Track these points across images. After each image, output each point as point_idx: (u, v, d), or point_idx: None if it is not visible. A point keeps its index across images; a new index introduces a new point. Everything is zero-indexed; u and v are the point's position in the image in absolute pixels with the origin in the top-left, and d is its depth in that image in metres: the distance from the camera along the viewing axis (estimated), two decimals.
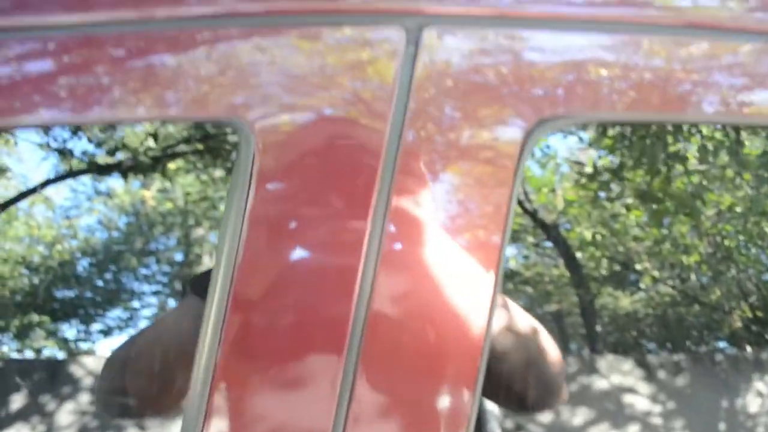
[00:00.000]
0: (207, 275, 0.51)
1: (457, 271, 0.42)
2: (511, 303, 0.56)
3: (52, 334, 1.12)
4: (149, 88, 0.42)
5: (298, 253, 0.43)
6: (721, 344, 1.25)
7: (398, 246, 0.43)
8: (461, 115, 0.44)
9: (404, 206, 0.43)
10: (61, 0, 0.43)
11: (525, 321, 0.55)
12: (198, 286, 0.54)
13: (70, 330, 1.07)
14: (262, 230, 0.43)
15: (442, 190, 0.43)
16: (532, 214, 2.39)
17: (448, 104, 0.44)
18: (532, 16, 0.44)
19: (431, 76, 0.43)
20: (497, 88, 0.44)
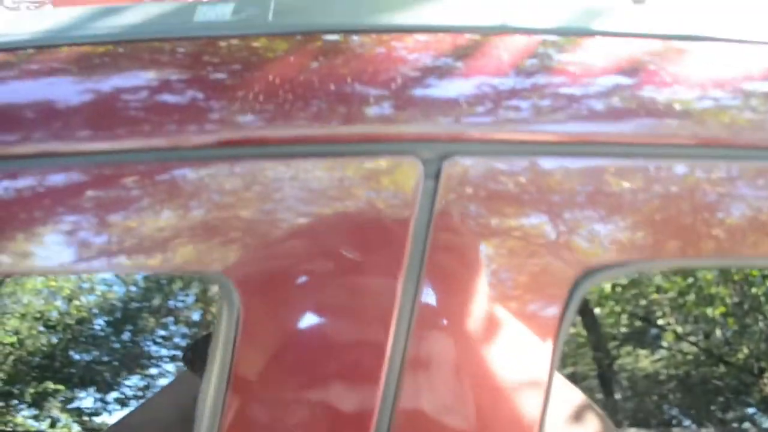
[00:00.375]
0: (200, 344, 0.49)
1: (507, 349, 0.40)
2: (571, 387, 0.52)
3: (68, 402, 1.11)
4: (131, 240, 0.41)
5: (310, 326, 0.41)
6: (751, 411, 1.20)
7: (432, 322, 0.40)
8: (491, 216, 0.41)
9: (440, 278, 0.40)
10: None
11: (589, 412, 0.51)
12: (190, 357, 0.52)
13: (86, 399, 1.06)
14: (266, 300, 0.41)
15: (484, 261, 0.40)
16: None
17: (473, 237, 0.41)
18: (563, 140, 0.42)
19: (453, 214, 0.41)
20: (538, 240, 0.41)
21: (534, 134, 0.43)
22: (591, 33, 0.48)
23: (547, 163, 0.42)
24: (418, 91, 0.44)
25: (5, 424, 1.07)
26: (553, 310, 0.40)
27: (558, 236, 0.41)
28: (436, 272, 0.41)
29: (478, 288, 0.40)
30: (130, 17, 0.49)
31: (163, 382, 1.19)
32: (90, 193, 0.41)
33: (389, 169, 0.42)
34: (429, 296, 0.40)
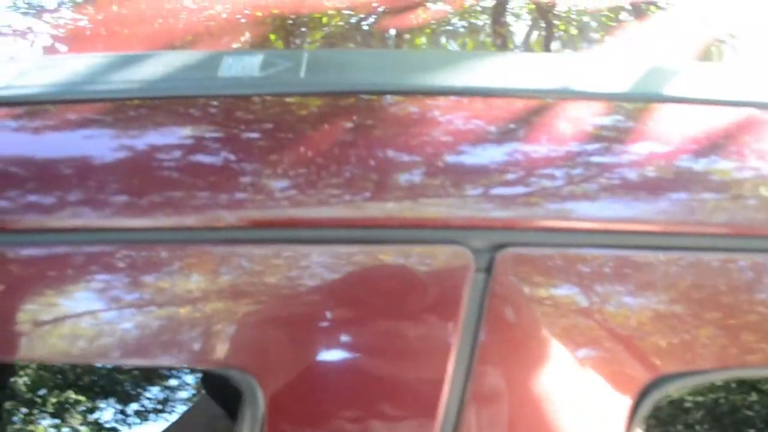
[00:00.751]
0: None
1: (578, 402, 0.36)
2: None
3: (89, 412, 1.11)
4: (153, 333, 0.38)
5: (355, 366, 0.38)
6: None
7: (493, 372, 0.37)
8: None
9: (492, 393, 0.37)
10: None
11: None
12: (210, 383, 0.50)
13: (107, 410, 1.05)
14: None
15: (544, 374, 0.37)
16: None
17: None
18: (639, 230, 0.37)
19: (508, 315, 0.37)
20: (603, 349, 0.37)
21: (606, 223, 0.38)
22: (659, 99, 0.42)
23: (625, 255, 0.37)
24: (468, 168, 0.39)
25: None
26: (619, 421, 0.36)
27: (628, 339, 0.37)
28: (486, 390, 0.37)
29: (536, 403, 0.36)
30: (151, 69, 0.45)
31: (182, 394, 1.17)
32: (106, 281, 0.38)
33: (434, 260, 0.38)
34: (477, 412, 0.37)
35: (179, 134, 0.42)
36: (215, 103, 0.44)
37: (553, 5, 0.76)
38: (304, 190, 0.38)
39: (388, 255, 0.38)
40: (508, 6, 0.75)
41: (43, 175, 0.40)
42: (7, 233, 0.39)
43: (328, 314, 0.38)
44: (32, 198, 0.40)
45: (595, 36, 0.72)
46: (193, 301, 0.39)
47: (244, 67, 0.46)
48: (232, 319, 0.38)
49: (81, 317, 0.39)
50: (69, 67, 0.46)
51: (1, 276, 0.39)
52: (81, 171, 0.40)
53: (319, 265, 0.38)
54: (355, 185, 0.39)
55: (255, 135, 0.42)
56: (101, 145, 0.42)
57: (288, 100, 0.44)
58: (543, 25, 0.75)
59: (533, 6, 0.76)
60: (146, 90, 0.44)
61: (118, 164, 0.40)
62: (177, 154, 0.41)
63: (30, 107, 0.44)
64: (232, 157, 0.40)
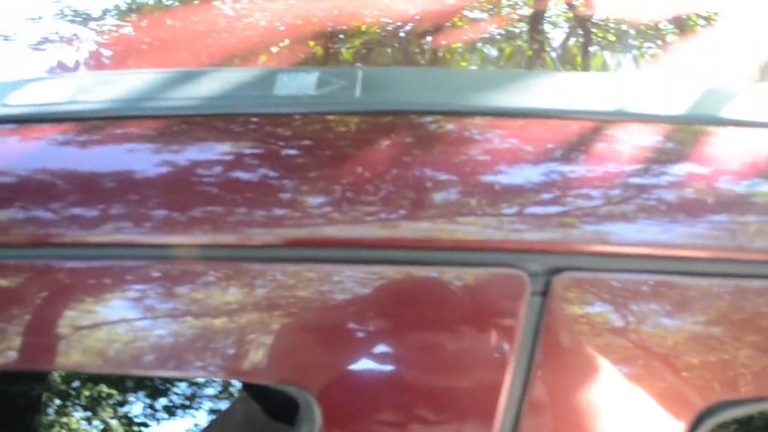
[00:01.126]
0: None
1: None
2: None
3: (119, 406, 1.13)
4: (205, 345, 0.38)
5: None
6: None
7: (548, 395, 0.37)
8: None
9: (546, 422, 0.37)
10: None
11: None
12: (251, 385, 0.51)
13: (136, 404, 1.07)
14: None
15: (598, 397, 0.37)
16: None
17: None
18: (705, 256, 0.36)
19: (563, 340, 0.38)
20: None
21: (665, 248, 0.38)
22: (708, 122, 0.42)
23: (685, 282, 0.37)
24: (524, 190, 0.40)
25: (61, 426, 1.09)
26: None
27: (684, 364, 0.37)
28: (540, 412, 0.38)
29: (591, 427, 0.37)
30: (207, 86, 0.46)
31: (209, 391, 1.18)
32: (155, 294, 0.39)
33: (490, 282, 0.38)
34: None
35: (237, 152, 0.43)
36: (271, 121, 0.44)
37: (591, 14, 0.76)
38: (365, 211, 0.39)
39: (446, 276, 0.38)
40: (545, 14, 0.74)
41: (98, 191, 0.41)
42: (52, 247, 0.39)
43: (386, 333, 0.38)
44: (80, 212, 0.40)
45: (634, 43, 0.72)
46: (253, 318, 0.39)
47: (300, 85, 0.46)
48: (291, 336, 0.39)
49: (137, 331, 0.39)
50: (127, 84, 0.47)
51: (45, 288, 0.40)
52: (135, 188, 0.41)
53: (376, 284, 0.39)
54: (415, 207, 0.39)
55: (314, 154, 0.42)
56: (156, 162, 0.43)
57: (344, 119, 0.44)
58: (581, 32, 0.75)
59: (571, 14, 0.75)
60: (203, 107, 0.45)
61: (175, 182, 0.41)
62: (236, 171, 0.41)
63: (87, 123, 0.44)
64: (295, 176, 0.41)
